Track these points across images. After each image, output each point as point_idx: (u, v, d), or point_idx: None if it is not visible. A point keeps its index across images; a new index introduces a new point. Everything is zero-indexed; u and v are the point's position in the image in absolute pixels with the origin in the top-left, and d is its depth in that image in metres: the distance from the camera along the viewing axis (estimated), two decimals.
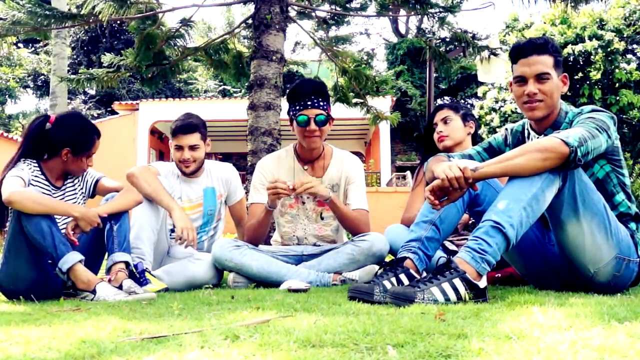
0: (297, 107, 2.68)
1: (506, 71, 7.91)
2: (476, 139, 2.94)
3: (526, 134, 2.22)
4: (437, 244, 2.08)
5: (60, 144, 2.51)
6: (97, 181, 2.70)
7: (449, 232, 2.12)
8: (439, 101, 22.59)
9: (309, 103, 2.66)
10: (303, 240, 2.86)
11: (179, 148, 2.89)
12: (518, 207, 1.78)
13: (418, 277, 1.98)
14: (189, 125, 2.88)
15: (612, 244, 1.91)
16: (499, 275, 2.44)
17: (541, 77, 2.04)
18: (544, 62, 2.04)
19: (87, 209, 2.40)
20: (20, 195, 2.26)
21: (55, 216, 2.37)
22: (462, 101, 22.86)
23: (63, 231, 2.36)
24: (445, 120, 2.85)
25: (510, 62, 2.16)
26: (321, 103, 2.68)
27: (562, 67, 2.11)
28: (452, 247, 2.68)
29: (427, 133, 2.99)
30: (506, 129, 2.31)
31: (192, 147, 2.88)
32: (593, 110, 1.99)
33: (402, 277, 1.95)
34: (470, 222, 2.67)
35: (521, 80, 2.08)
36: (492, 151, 2.27)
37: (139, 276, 2.40)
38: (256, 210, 2.80)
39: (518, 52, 2.09)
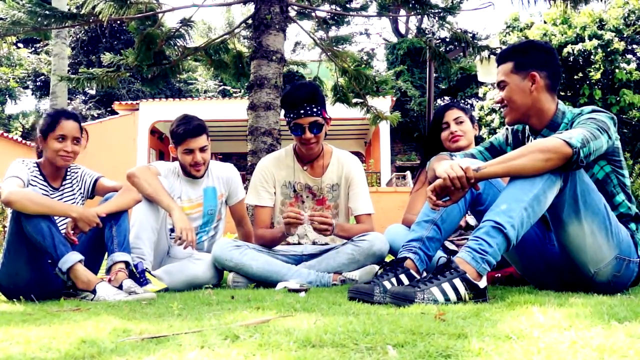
0: (291, 115, 2.67)
1: None
2: (477, 140, 2.94)
3: (526, 135, 2.22)
4: (438, 244, 2.08)
5: (35, 132, 2.58)
6: (96, 181, 2.70)
7: (450, 232, 2.12)
8: (439, 101, 22.59)
9: (302, 112, 2.63)
10: (303, 238, 2.86)
11: (190, 152, 2.86)
12: (519, 207, 1.78)
13: (418, 277, 1.97)
14: (197, 127, 2.86)
15: (613, 245, 1.90)
16: (499, 275, 2.43)
17: (500, 86, 2.12)
18: (502, 70, 2.12)
19: (85, 209, 2.40)
20: (19, 196, 2.26)
21: (55, 216, 2.38)
22: (462, 101, 22.87)
23: (63, 231, 2.36)
24: (457, 121, 2.84)
25: None
26: (314, 109, 2.64)
27: (532, 66, 2.05)
28: (452, 247, 2.68)
29: (432, 133, 2.93)
30: (507, 129, 2.31)
31: (202, 149, 2.88)
32: (593, 111, 1.98)
33: (403, 277, 1.94)
34: (467, 215, 2.66)
35: None
36: (494, 150, 2.27)
37: (139, 276, 2.40)
38: (262, 215, 2.82)
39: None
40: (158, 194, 2.68)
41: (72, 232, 2.35)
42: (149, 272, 2.51)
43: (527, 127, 2.21)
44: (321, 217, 2.54)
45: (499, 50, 6.45)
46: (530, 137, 2.18)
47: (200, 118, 2.95)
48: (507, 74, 2.09)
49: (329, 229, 2.55)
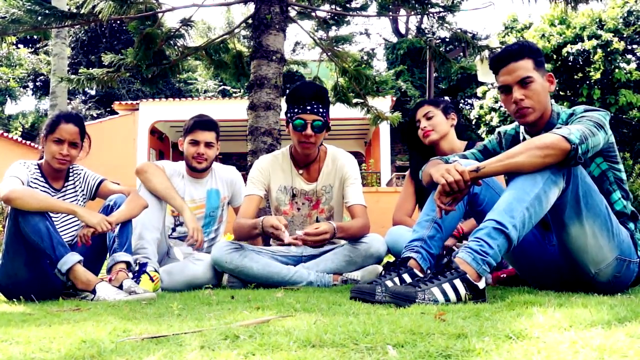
0: (296, 110, 2.61)
1: None
2: (464, 135, 2.98)
3: (521, 138, 2.21)
4: (440, 242, 2.08)
5: (40, 133, 2.61)
6: (100, 183, 2.71)
7: (451, 230, 2.13)
8: None
9: (308, 108, 2.59)
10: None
11: (195, 143, 2.92)
12: (521, 207, 1.77)
13: (422, 276, 1.97)
14: (209, 122, 2.95)
15: (614, 245, 1.90)
16: (504, 275, 2.43)
17: (524, 82, 2.03)
18: (524, 67, 2.03)
19: (92, 212, 2.40)
20: (20, 193, 2.26)
21: (54, 217, 2.37)
22: (462, 101, 22.87)
23: (68, 233, 2.35)
24: (427, 116, 2.88)
25: (493, 74, 2.15)
26: (320, 109, 2.61)
27: (545, 67, 2.09)
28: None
29: (409, 131, 3.00)
30: (499, 132, 2.31)
31: (208, 144, 2.93)
32: (586, 110, 1.99)
33: (406, 276, 1.94)
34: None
35: (506, 89, 2.07)
36: (487, 154, 2.27)
37: (134, 275, 2.41)
38: (249, 203, 2.75)
39: (497, 63, 2.09)
40: (170, 192, 2.71)
41: (88, 235, 2.33)
42: (156, 272, 2.51)
43: (522, 132, 2.20)
44: (315, 233, 2.41)
45: (498, 50, 6.47)
46: (527, 138, 2.17)
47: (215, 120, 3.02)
48: (531, 70, 2.03)
49: (327, 237, 2.45)
